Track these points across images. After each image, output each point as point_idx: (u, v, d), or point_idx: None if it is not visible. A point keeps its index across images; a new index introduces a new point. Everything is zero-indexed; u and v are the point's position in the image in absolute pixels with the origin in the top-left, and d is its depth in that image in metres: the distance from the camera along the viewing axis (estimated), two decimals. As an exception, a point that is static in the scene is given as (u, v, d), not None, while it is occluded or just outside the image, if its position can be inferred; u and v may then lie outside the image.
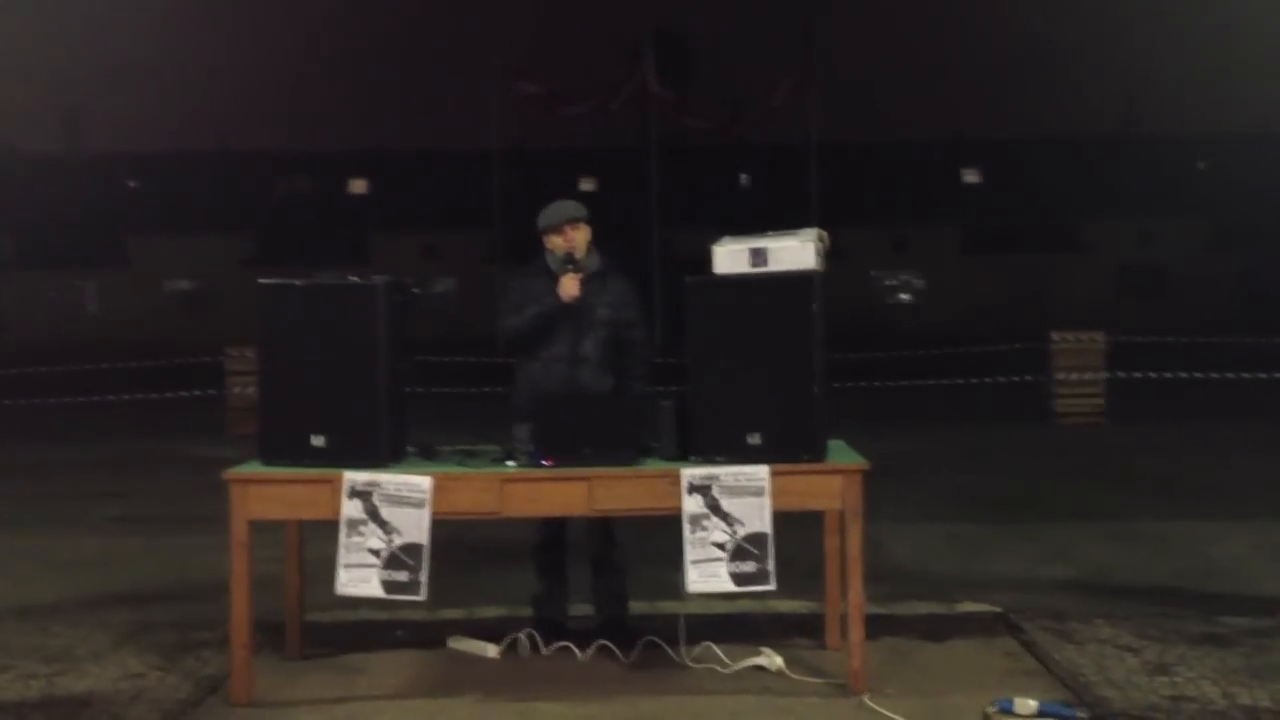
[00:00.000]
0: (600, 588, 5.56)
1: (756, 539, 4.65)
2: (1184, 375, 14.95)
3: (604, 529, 5.48)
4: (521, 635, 5.35)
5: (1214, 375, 14.77)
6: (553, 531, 5.52)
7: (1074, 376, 14.60)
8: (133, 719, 4.61)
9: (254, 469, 4.80)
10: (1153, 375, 14.98)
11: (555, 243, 5.44)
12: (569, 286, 5.30)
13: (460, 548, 6.79)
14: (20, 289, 47.61)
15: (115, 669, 5.19)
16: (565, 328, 5.36)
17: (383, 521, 4.66)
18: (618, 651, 5.18)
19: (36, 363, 17.68)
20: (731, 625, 5.62)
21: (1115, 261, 47.53)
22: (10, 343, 39.19)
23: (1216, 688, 4.77)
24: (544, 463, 4.74)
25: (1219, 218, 46.54)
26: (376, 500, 4.66)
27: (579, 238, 5.43)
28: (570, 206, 5.51)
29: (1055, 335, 14.97)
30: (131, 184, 50.42)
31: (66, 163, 50.38)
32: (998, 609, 5.95)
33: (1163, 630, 5.52)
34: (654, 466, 4.77)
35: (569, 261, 5.36)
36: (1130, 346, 15.76)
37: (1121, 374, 14.80)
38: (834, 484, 4.72)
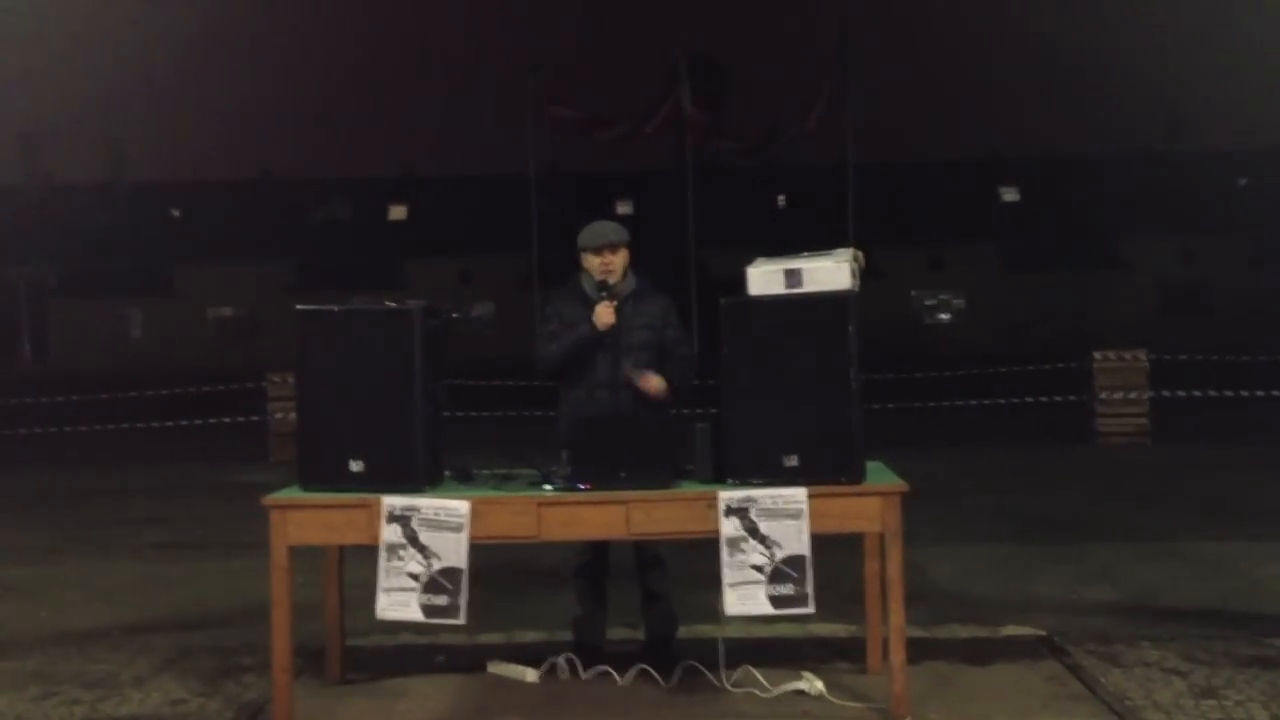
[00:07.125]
0: (649, 610, 5.54)
1: (795, 561, 4.62)
2: (1228, 394, 14.75)
3: (650, 553, 5.46)
4: (561, 659, 5.33)
5: (1259, 393, 14.57)
6: (596, 555, 5.52)
7: (1117, 396, 14.44)
8: (175, 744, 4.64)
9: (293, 494, 4.82)
10: (1196, 394, 14.79)
11: (591, 263, 5.45)
12: (604, 315, 5.29)
13: (499, 572, 6.80)
14: (65, 317, 48.30)
15: (158, 694, 5.23)
16: (604, 354, 5.35)
17: (421, 546, 4.67)
18: (657, 676, 5.16)
19: (81, 390, 17.87)
20: (772, 649, 5.58)
21: (1156, 279, 47.09)
22: (55, 370, 39.70)
23: (1266, 711, 4.69)
24: (580, 486, 4.74)
25: (1261, 235, 45.99)
26: (415, 525, 4.67)
27: (616, 262, 5.42)
28: (609, 230, 5.49)
29: (1097, 354, 14.81)
30: (174, 212, 51.05)
31: (110, 192, 51.10)
32: (1041, 632, 5.89)
33: (1210, 653, 5.44)
34: (691, 489, 4.75)
35: (603, 289, 5.37)
36: (1173, 365, 15.57)
37: (1165, 393, 14.63)
38: (873, 506, 4.69)
